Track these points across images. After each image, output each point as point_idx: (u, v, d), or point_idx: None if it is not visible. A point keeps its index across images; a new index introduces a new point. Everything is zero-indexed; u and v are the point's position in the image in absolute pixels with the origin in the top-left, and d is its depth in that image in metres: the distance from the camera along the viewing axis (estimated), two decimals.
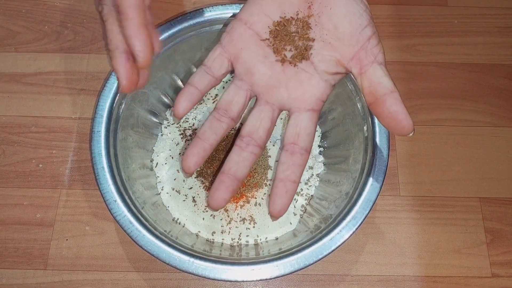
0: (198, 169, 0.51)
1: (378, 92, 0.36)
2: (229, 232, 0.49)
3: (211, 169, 0.50)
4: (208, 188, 0.50)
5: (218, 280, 0.41)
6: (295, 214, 0.50)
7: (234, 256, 0.46)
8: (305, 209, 0.51)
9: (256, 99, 0.39)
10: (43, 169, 0.53)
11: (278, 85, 0.38)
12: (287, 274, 0.41)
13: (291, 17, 0.38)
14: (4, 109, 0.55)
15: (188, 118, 0.54)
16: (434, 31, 0.61)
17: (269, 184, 0.51)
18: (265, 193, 0.51)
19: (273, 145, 0.53)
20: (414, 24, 0.61)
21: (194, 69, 0.54)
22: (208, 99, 0.55)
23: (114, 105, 0.46)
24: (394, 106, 0.35)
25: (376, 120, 0.46)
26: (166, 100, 0.54)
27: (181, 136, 0.53)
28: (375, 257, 0.50)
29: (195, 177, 0.51)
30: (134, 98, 0.48)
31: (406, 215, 0.52)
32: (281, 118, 0.54)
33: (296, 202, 0.51)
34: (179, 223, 0.49)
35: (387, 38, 0.60)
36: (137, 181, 0.48)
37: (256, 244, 0.49)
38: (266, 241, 0.49)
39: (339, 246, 0.42)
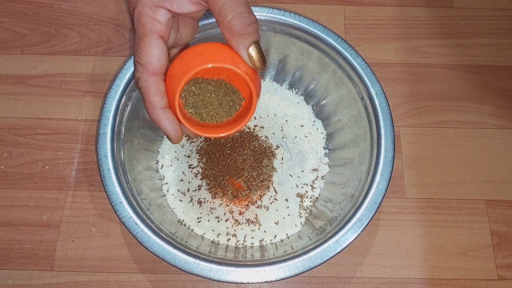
0: (201, 170, 0.51)
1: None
2: (234, 234, 0.49)
3: (215, 170, 0.50)
4: (212, 191, 0.51)
5: (223, 282, 0.41)
6: (300, 216, 0.50)
7: (239, 258, 0.46)
8: (310, 211, 0.51)
9: None
10: (49, 170, 0.53)
11: None
12: (292, 276, 0.41)
13: None
14: (10, 111, 0.56)
15: None
16: (439, 33, 0.61)
17: (274, 187, 0.51)
18: (270, 196, 0.51)
19: (278, 147, 0.53)
20: (419, 26, 0.61)
21: None
22: None
23: (120, 107, 0.46)
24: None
25: (381, 122, 0.46)
26: None
27: (187, 137, 0.53)
28: (381, 259, 0.50)
29: (200, 179, 0.51)
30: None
31: (412, 217, 0.51)
32: (286, 121, 0.54)
33: (302, 204, 0.51)
34: (185, 225, 0.50)
35: (393, 40, 0.60)
36: (143, 183, 0.48)
37: (261, 246, 0.49)
38: (271, 243, 0.49)
39: (345, 248, 0.42)
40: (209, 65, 0.33)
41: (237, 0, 0.32)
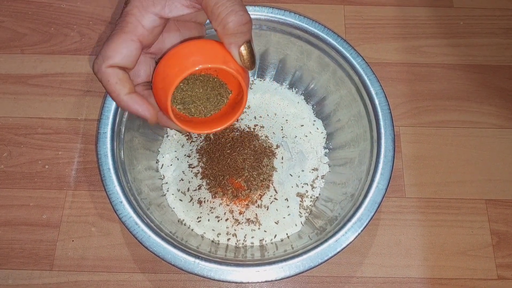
0: (201, 169, 0.51)
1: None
2: (235, 233, 0.49)
3: (215, 170, 0.50)
4: (212, 190, 0.51)
5: (223, 281, 0.41)
6: (300, 216, 0.50)
7: (239, 258, 0.46)
8: (311, 211, 0.51)
9: None
10: (49, 170, 0.53)
11: None
12: (292, 276, 0.41)
13: None
14: (10, 110, 0.56)
15: None
16: (439, 33, 0.61)
17: (274, 186, 0.51)
18: (271, 195, 0.51)
19: (278, 147, 0.53)
20: (419, 26, 0.61)
21: None
22: None
23: None
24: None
25: (381, 122, 0.46)
26: None
27: (186, 137, 0.53)
28: (381, 259, 0.50)
29: (200, 179, 0.51)
30: None
31: (412, 217, 0.51)
32: (286, 120, 0.54)
33: (302, 203, 0.51)
34: (185, 225, 0.50)
35: (392, 40, 0.60)
36: (143, 182, 0.48)
37: (261, 246, 0.49)
38: (272, 243, 0.49)
39: (345, 248, 0.42)
40: (201, 66, 0.32)
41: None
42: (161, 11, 0.33)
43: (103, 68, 0.33)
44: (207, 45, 0.34)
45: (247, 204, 0.50)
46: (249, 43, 0.33)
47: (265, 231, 0.49)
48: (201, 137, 0.53)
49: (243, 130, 0.53)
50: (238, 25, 0.32)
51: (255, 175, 0.50)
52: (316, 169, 0.53)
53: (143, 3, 0.33)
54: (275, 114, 0.55)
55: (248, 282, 0.41)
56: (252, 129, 0.54)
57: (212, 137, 0.52)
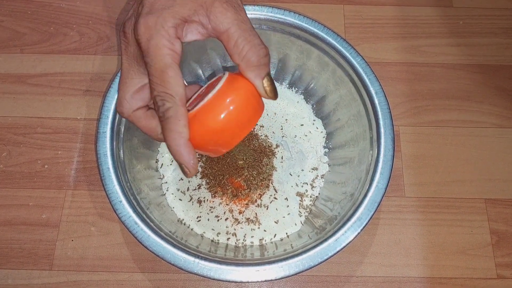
0: (200, 169, 0.51)
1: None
2: (234, 233, 0.49)
3: (215, 169, 0.50)
4: (212, 190, 0.51)
5: (223, 281, 0.41)
6: (300, 215, 0.50)
7: (239, 257, 0.46)
8: (310, 210, 0.51)
9: None
10: (49, 170, 0.53)
11: None
12: (292, 275, 0.41)
13: None
14: (10, 110, 0.56)
15: None
16: (439, 32, 0.61)
17: (274, 185, 0.51)
18: (270, 195, 0.51)
19: (278, 146, 0.53)
20: (419, 25, 0.61)
21: (199, 70, 0.55)
22: None
23: None
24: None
25: (381, 121, 0.46)
26: None
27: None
28: (380, 258, 0.50)
29: (199, 178, 0.51)
30: None
31: (411, 216, 0.51)
32: (286, 120, 0.54)
33: (301, 203, 0.51)
34: (184, 224, 0.50)
35: (392, 39, 0.60)
36: (143, 182, 0.48)
37: (261, 245, 0.49)
38: (271, 242, 0.49)
39: (344, 247, 0.42)
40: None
41: (251, 32, 0.32)
42: (182, 37, 0.33)
43: (176, 107, 0.32)
44: (244, 96, 0.34)
45: (246, 204, 0.50)
46: (269, 75, 0.34)
47: (264, 231, 0.49)
48: None
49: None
50: (260, 58, 0.33)
51: (254, 175, 0.50)
52: (316, 169, 0.53)
53: (169, 33, 0.32)
54: (275, 113, 0.55)
55: (248, 282, 0.41)
56: (251, 129, 0.54)
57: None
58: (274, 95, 0.34)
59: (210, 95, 0.33)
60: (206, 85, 0.37)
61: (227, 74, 0.35)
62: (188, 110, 0.33)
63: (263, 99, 0.35)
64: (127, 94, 0.35)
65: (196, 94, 0.37)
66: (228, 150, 0.35)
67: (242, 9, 0.33)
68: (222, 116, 0.32)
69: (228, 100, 0.32)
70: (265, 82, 0.34)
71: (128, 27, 0.34)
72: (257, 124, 0.54)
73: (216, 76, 0.37)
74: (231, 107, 0.32)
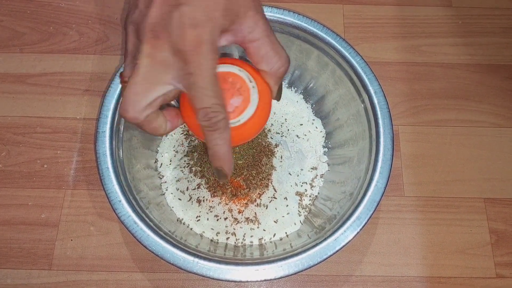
0: (200, 168, 0.51)
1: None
2: (234, 232, 0.49)
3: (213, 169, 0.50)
4: (211, 189, 0.51)
5: (222, 280, 0.41)
6: (299, 215, 0.50)
7: (238, 257, 0.46)
8: (310, 210, 0.51)
9: None
10: (48, 169, 0.53)
11: None
12: (291, 275, 0.41)
13: None
14: (9, 109, 0.56)
15: None
16: (438, 32, 0.61)
17: (274, 185, 0.51)
18: (270, 194, 0.51)
19: (277, 146, 0.53)
20: (418, 25, 0.61)
21: None
22: None
23: (119, 106, 0.46)
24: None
25: (380, 121, 0.46)
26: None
27: (185, 136, 0.53)
28: (380, 257, 0.50)
29: (199, 178, 0.51)
30: None
31: (411, 216, 0.52)
32: (285, 119, 0.54)
33: (301, 202, 0.51)
34: (184, 224, 0.50)
35: (392, 39, 0.60)
36: (142, 182, 0.48)
37: (260, 245, 0.49)
38: (271, 242, 0.49)
39: (344, 246, 0.42)
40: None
41: (278, 44, 0.33)
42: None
43: (226, 118, 0.32)
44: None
45: (246, 203, 0.50)
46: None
47: (264, 230, 0.49)
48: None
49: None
50: (282, 66, 0.34)
51: (254, 174, 0.50)
52: (315, 168, 0.53)
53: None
54: (274, 113, 0.55)
55: (247, 281, 0.41)
56: None
57: None
58: (280, 97, 0.37)
59: (250, 111, 0.34)
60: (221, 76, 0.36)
61: (252, 81, 0.34)
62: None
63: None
64: (144, 102, 0.32)
65: None
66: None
67: (267, 18, 0.33)
68: (253, 134, 0.35)
69: (264, 118, 0.35)
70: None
71: (160, 30, 0.31)
72: None
73: (229, 65, 0.35)
74: (262, 123, 0.35)
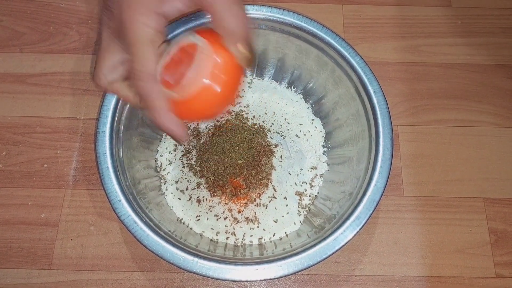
0: (199, 168, 0.51)
1: None
2: (233, 232, 0.49)
3: (214, 169, 0.50)
4: (211, 189, 0.51)
5: (222, 280, 0.41)
6: (299, 214, 0.50)
7: (238, 256, 0.46)
8: (309, 209, 0.51)
9: None
10: (48, 169, 0.53)
11: None
12: (291, 274, 0.41)
13: None
14: (9, 109, 0.56)
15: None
16: (437, 32, 0.61)
17: (273, 185, 0.51)
18: (269, 194, 0.51)
19: (277, 146, 0.53)
20: (417, 25, 0.61)
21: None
22: None
23: (119, 106, 0.46)
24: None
25: (379, 121, 0.46)
26: None
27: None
28: (379, 257, 0.50)
29: (199, 177, 0.51)
30: None
31: (410, 215, 0.52)
32: (285, 119, 0.55)
33: (301, 202, 0.51)
34: (183, 223, 0.50)
35: (391, 39, 0.60)
36: (142, 181, 0.48)
37: (260, 244, 0.49)
38: (270, 241, 0.49)
39: (343, 246, 0.42)
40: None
41: (238, 6, 0.33)
42: (158, 9, 0.33)
43: (150, 83, 0.33)
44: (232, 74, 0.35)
45: (246, 203, 0.50)
46: (247, 42, 0.34)
47: (264, 230, 0.49)
48: (200, 138, 0.53)
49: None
50: (236, 25, 0.33)
51: (253, 174, 0.50)
52: (315, 168, 0.53)
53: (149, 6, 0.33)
54: (274, 113, 0.55)
55: (247, 281, 0.41)
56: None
57: (211, 136, 0.52)
58: (247, 62, 0.35)
59: (190, 75, 0.33)
60: (178, 45, 0.35)
61: (206, 46, 0.34)
62: (167, 82, 0.34)
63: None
64: (104, 69, 0.36)
65: (169, 55, 0.35)
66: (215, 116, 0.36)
67: None
68: (214, 106, 0.35)
69: (218, 91, 0.34)
70: (241, 49, 0.34)
71: (111, 2, 0.34)
72: (256, 124, 0.54)
73: (190, 37, 0.35)
74: (220, 94, 0.34)
